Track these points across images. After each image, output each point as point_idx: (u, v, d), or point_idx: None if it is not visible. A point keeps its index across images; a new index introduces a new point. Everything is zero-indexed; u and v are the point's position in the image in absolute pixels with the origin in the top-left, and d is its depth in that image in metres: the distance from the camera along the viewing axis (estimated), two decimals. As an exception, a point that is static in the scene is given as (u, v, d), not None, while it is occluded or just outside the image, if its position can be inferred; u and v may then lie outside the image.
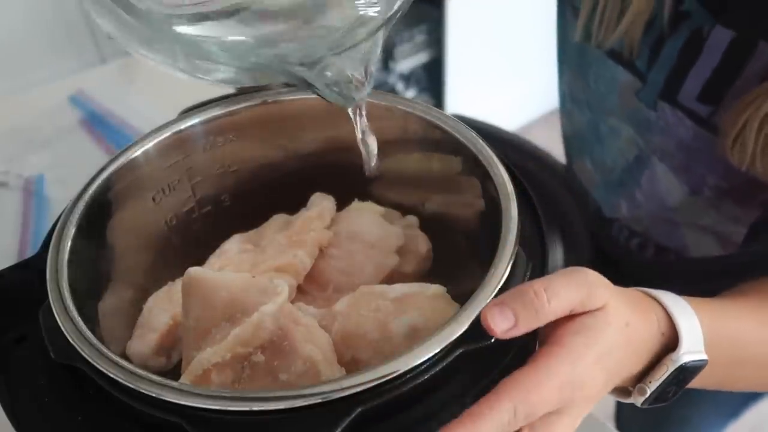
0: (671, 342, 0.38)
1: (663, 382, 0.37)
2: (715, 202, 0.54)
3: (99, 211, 0.41)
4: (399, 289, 0.42)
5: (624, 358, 0.35)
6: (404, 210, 0.51)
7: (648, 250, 0.64)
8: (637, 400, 0.38)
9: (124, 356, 0.42)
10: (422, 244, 0.48)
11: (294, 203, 0.50)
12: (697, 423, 0.78)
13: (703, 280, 0.51)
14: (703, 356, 0.37)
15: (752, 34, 0.44)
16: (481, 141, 0.43)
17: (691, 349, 0.37)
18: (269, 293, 0.37)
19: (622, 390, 0.40)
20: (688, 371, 0.37)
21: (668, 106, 0.51)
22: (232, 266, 0.45)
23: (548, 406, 0.32)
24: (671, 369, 0.37)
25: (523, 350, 0.34)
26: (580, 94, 0.62)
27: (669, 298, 0.39)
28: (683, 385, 0.38)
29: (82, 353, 0.32)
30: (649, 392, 0.37)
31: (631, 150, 0.58)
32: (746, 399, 0.77)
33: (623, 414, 0.91)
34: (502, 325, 0.32)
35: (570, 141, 0.70)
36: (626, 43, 0.52)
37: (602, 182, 0.65)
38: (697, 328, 0.38)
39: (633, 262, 0.66)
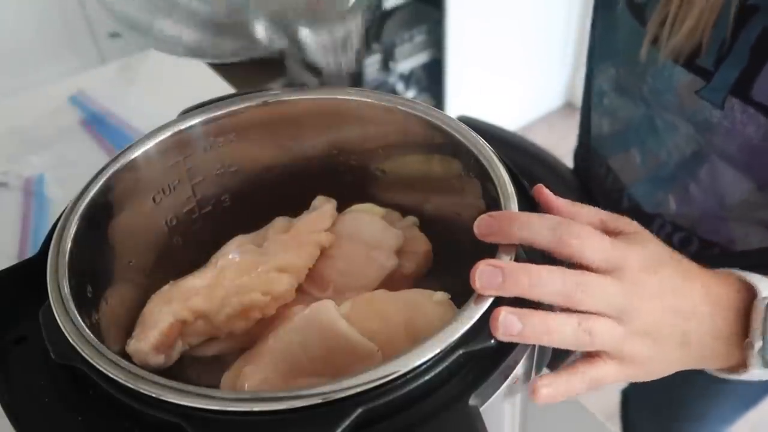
0: (749, 298, 0.39)
1: (764, 325, 0.38)
2: None
3: (99, 212, 0.41)
4: (403, 295, 0.41)
5: (683, 288, 0.37)
6: (404, 210, 0.51)
7: (692, 245, 0.63)
8: (753, 359, 0.39)
9: (124, 355, 0.42)
10: (422, 244, 0.48)
11: (294, 204, 0.50)
12: (713, 417, 0.78)
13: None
14: None
15: None
16: (481, 141, 0.42)
17: None
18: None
19: (731, 366, 0.41)
20: None
21: (739, 103, 0.50)
22: (234, 266, 0.45)
23: (592, 237, 0.34)
24: (761, 307, 0.38)
25: (524, 350, 0.34)
26: (632, 88, 0.61)
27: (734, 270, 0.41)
28: None
29: (82, 353, 0.32)
30: (755, 343, 0.38)
31: (688, 145, 0.58)
32: (758, 396, 0.76)
33: (630, 411, 0.91)
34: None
35: (605, 139, 0.69)
36: (689, 43, 0.51)
37: (649, 177, 0.64)
38: None
39: None
